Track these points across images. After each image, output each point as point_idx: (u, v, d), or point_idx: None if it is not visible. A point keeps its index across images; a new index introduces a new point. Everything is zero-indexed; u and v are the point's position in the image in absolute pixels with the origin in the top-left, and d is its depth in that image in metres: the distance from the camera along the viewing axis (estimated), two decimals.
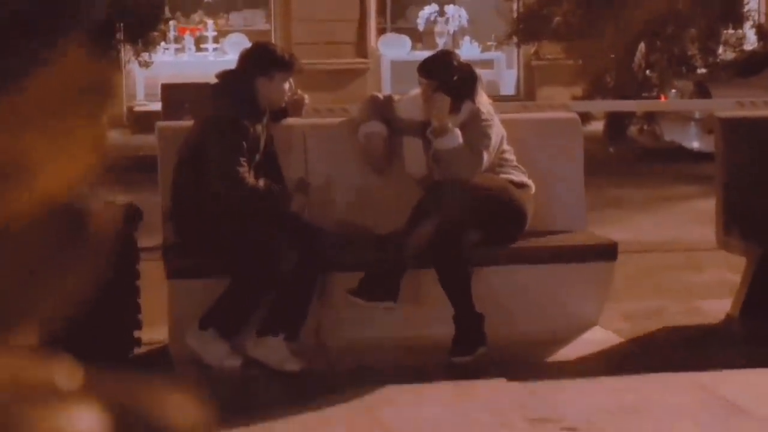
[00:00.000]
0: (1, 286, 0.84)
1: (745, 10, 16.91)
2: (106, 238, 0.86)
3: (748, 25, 17.19)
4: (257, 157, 6.20)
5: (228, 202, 6.05)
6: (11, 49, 0.86)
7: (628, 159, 14.70)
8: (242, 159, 6.03)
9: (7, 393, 0.83)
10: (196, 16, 19.81)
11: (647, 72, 16.08)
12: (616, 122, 15.89)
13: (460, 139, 6.29)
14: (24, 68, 0.85)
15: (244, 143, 6.05)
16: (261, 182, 6.10)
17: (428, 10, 19.96)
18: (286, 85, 6.31)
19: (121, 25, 14.55)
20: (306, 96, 6.71)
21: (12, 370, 0.84)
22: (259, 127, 6.21)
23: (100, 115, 0.86)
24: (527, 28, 16.71)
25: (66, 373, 0.85)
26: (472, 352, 6.13)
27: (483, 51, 19.98)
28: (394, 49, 20.10)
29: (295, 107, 6.60)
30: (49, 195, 0.84)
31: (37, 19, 0.87)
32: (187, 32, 19.64)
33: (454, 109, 6.38)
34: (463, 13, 19.95)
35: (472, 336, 6.15)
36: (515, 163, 6.54)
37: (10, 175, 0.83)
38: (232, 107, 6.10)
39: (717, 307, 7.08)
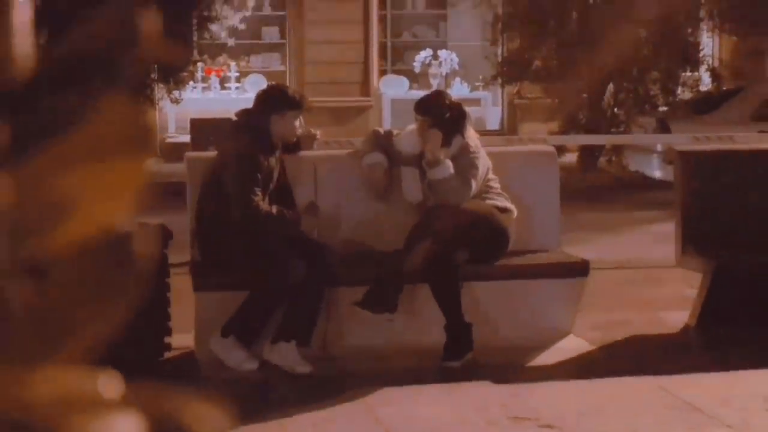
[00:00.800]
0: (56, 308, 0.83)
1: (701, 55, 16.93)
2: (145, 259, 0.86)
3: (703, 68, 17.20)
4: (271, 186, 6.19)
5: (245, 225, 6.03)
6: (71, 89, 0.85)
7: (598, 187, 14.68)
8: (257, 188, 6.01)
9: (57, 407, 0.82)
10: (221, 59, 19.82)
11: (615, 110, 16.08)
12: (588, 154, 15.89)
13: (452, 170, 6.28)
14: (80, 109, 0.84)
15: (258, 174, 6.04)
16: (274, 209, 6.08)
17: (423, 54, 19.97)
18: (297, 122, 6.30)
19: (155, 66, 14.57)
20: (318, 132, 6.72)
21: (62, 386, 0.83)
22: (272, 160, 6.20)
23: (139, 154, 0.85)
24: (510, 71, 16.73)
25: (110, 386, 0.85)
26: (462, 357, 6.10)
27: (472, 90, 19.98)
28: (394, 89, 20.11)
29: (308, 141, 6.60)
30: (97, 225, 0.83)
31: (100, 60, 0.86)
32: (213, 73, 19.65)
33: (446, 142, 6.36)
34: (455, 57, 19.96)
35: (462, 343, 6.12)
36: (499, 191, 6.52)
37: (63, 208, 0.82)
38: (249, 142, 6.09)
39: (676, 318, 7.05)
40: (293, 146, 6.51)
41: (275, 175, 6.23)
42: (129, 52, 0.88)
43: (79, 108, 0.86)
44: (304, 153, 6.63)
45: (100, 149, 0.85)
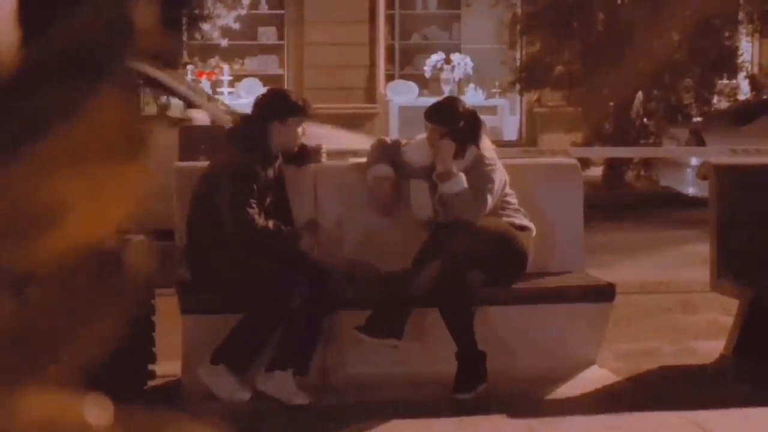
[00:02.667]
0: (38, 327, 0.84)
1: (739, 61, 16.94)
2: (137, 276, 0.86)
3: (741, 75, 17.21)
4: (268, 199, 6.21)
5: (238, 241, 6.05)
6: (56, 88, 0.86)
7: (625, 204, 14.68)
8: (253, 201, 6.03)
9: (43, 431, 0.83)
10: (213, 61, 19.87)
11: (644, 120, 16.09)
12: (615, 168, 15.89)
13: (465, 184, 6.29)
14: (66, 110, 0.85)
15: (255, 186, 6.06)
16: (271, 223, 6.09)
17: (435, 58, 20.00)
18: (300, 130, 6.33)
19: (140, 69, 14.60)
20: (323, 143, 6.76)
21: (47, 409, 0.83)
22: (270, 171, 6.22)
23: (131, 161, 0.86)
24: (530, 77, 16.75)
25: (97, 411, 0.85)
26: (474, 388, 6.10)
27: (487, 98, 20.01)
28: (402, 95, 20.15)
29: (315, 154, 6.63)
30: (84, 237, 0.84)
31: (87, 58, 0.87)
32: (204, 76, 19.70)
33: (459, 154, 6.38)
34: (468, 61, 20.00)
35: (474, 373, 6.12)
36: (517, 207, 6.53)
37: (47, 217, 0.83)
38: (245, 152, 6.11)
39: (710, 348, 7.05)
40: (299, 157, 6.53)
41: (273, 187, 6.25)
42: (119, 48, 0.89)
43: (66, 108, 0.87)
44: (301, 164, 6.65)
45: (88, 154, 0.86)
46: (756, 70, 18.74)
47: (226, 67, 19.81)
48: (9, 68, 0.89)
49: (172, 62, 14.77)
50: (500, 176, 6.45)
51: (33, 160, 0.85)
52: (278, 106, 6.27)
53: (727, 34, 16.39)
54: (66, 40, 0.88)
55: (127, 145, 0.87)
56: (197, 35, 15.39)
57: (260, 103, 6.37)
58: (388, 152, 6.62)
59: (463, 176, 6.30)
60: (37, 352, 0.86)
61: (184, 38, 15.61)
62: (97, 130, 0.87)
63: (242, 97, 18.78)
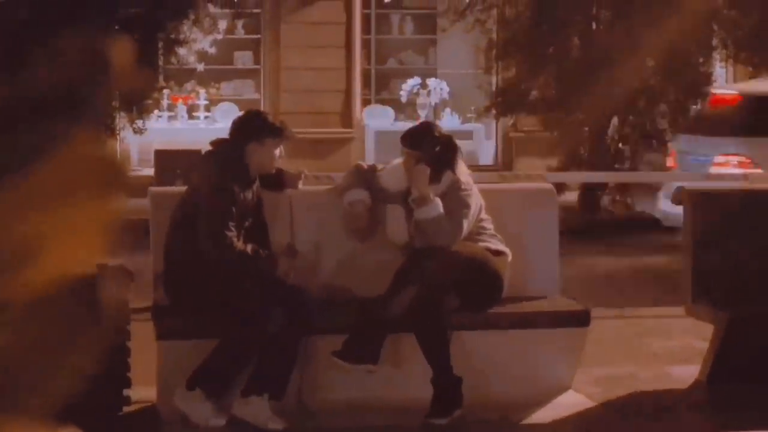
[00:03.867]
0: (11, 359, 0.84)
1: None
2: (111, 304, 0.87)
3: None
4: (246, 222, 6.20)
5: (217, 265, 6.04)
6: (23, 129, 0.86)
7: (601, 228, 14.72)
8: (231, 224, 6.03)
9: None
10: (188, 85, 19.83)
11: (620, 145, 16.15)
12: (590, 193, 15.94)
13: (440, 209, 6.30)
14: (36, 148, 0.85)
15: (233, 209, 6.05)
16: (249, 247, 6.09)
17: (411, 83, 20.03)
18: (277, 152, 6.33)
19: (116, 93, 14.58)
20: (304, 170, 6.77)
21: None
22: (249, 193, 6.22)
23: (108, 192, 0.86)
24: (505, 102, 16.79)
25: None
26: (449, 414, 6.10)
27: (463, 122, 20.04)
28: (378, 120, 20.17)
29: (293, 179, 6.63)
30: (60, 267, 0.84)
31: (63, 94, 0.88)
32: (180, 100, 19.68)
33: (435, 179, 6.39)
34: (445, 86, 20.04)
35: (450, 398, 6.12)
36: (493, 232, 6.55)
37: (24, 249, 0.83)
38: (223, 174, 6.11)
39: (686, 373, 7.07)
40: (276, 182, 6.54)
41: (251, 210, 6.25)
42: (95, 81, 0.90)
43: (42, 144, 0.88)
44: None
45: (66, 187, 0.86)
46: None
47: (202, 91, 19.80)
48: None
49: (147, 88, 14.76)
50: (476, 201, 6.46)
51: (10, 194, 0.86)
52: (256, 127, 6.28)
53: (701, 59, 16.48)
54: (41, 78, 0.89)
55: (102, 179, 0.88)
56: (173, 59, 15.37)
57: (238, 125, 6.38)
58: (364, 177, 6.63)
59: (438, 201, 6.32)
60: (11, 383, 0.86)
61: (160, 62, 15.58)
62: (73, 165, 0.87)
63: (218, 122, 18.78)
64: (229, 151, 6.23)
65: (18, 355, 0.86)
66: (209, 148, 6.39)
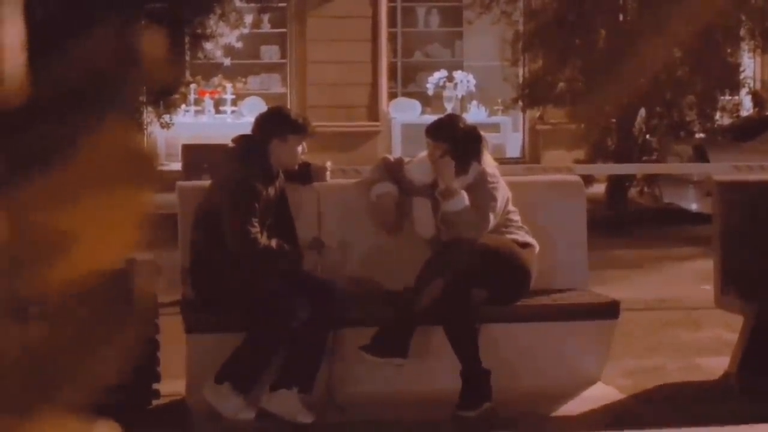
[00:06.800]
0: (46, 355, 0.84)
1: (741, 77, 16.94)
2: (144, 298, 0.87)
3: (744, 91, 17.21)
4: (270, 217, 6.21)
5: (242, 260, 6.06)
6: (52, 123, 0.86)
7: (629, 220, 14.68)
8: (254, 220, 6.04)
9: None
10: (215, 80, 19.89)
11: (647, 136, 16.09)
12: (618, 184, 15.88)
13: (467, 201, 6.29)
14: (75, 136, 0.85)
15: (256, 205, 6.07)
16: (273, 242, 6.10)
17: (437, 76, 20.02)
18: (300, 148, 6.34)
19: (144, 88, 14.63)
20: (328, 162, 6.77)
21: None
22: (271, 189, 6.23)
23: (139, 185, 0.86)
24: (532, 94, 16.75)
25: None
26: (478, 406, 6.09)
27: (490, 115, 20.02)
28: (405, 113, 20.16)
29: (320, 172, 6.64)
30: (94, 262, 0.84)
31: (87, 92, 0.87)
32: (207, 95, 19.72)
33: (462, 170, 6.38)
34: (471, 78, 20.02)
35: (478, 391, 6.12)
36: (520, 224, 6.54)
37: (57, 244, 0.83)
38: (246, 170, 6.12)
39: (715, 365, 7.05)
40: (304, 176, 6.55)
41: (274, 205, 6.26)
42: (125, 74, 0.90)
43: (75, 135, 0.87)
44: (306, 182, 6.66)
45: (97, 180, 0.86)
46: (758, 86, 18.75)
47: (229, 85, 19.85)
48: (17, 97, 0.89)
49: (174, 83, 14.80)
50: (503, 193, 6.45)
51: (40, 188, 0.85)
52: (278, 123, 6.29)
53: (729, 50, 16.39)
54: (72, 71, 0.89)
55: (131, 172, 0.88)
56: (200, 54, 15.40)
57: (260, 121, 6.39)
58: (391, 170, 6.63)
59: (465, 194, 6.31)
60: (46, 379, 0.86)
61: (187, 57, 15.62)
62: (102, 159, 0.87)
63: (245, 116, 18.81)
64: (251, 148, 6.24)
65: (51, 350, 0.86)
66: (233, 144, 6.40)
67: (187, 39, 15.04)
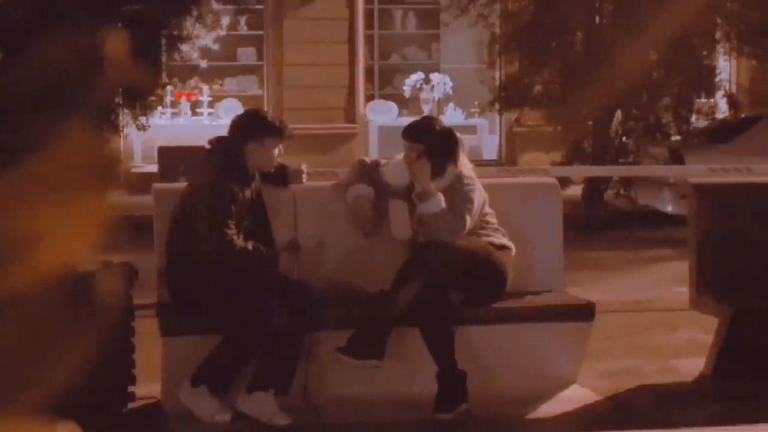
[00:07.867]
0: (10, 355, 0.83)
1: (717, 80, 17.02)
2: (109, 300, 0.86)
3: (719, 94, 17.29)
4: (246, 219, 6.21)
5: (218, 262, 6.04)
6: (22, 124, 0.86)
7: (605, 222, 14.72)
8: (231, 222, 6.03)
9: None
10: (192, 82, 19.86)
11: (623, 138, 16.14)
12: (594, 186, 15.93)
13: (443, 204, 6.29)
14: (34, 143, 0.85)
15: (232, 207, 6.06)
16: (250, 244, 6.09)
17: (414, 78, 20.03)
18: (276, 151, 6.33)
19: (120, 90, 14.58)
20: (304, 165, 6.76)
21: None
22: (248, 192, 6.22)
23: (103, 186, 0.86)
24: (509, 96, 16.78)
25: None
26: (454, 408, 6.09)
27: (467, 117, 20.05)
28: (382, 115, 20.17)
29: (296, 175, 6.64)
30: (57, 262, 0.84)
31: (49, 96, 0.87)
32: (184, 97, 19.68)
33: (438, 173, 6.38)
34: (448, 80, 20.03)
35: (455, 393, 6.12)
36: (496, 226, 6.54)
37: (19, 243, 0.83)
38: (222, 172, 6.12)
39: (691, 366, 7.07)
40: (279, 178, 6.54)
41: (251, 208, 6.25)
42: (93, 75, 0.89)
43: (39, 136, 0.87)
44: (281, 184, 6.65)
45: (61, 180, 0.85)
46: (734, 88, 18.83)
47: (205, 87, 19.82)
48: None
49: (151, 85, 14.76)
50: (479, 195, 6.46)
51: (8, 186, 0.85)
52: (255, 126, 6.28)
53: (704, 52, 16.46)
54: (38, 71, 0.88)
55: (100, 171, 0.87)
56: (176, 56, 15.36)
57: (237, 124, 6.38)
58: (367, 172, 6.63)
59: (441, 196, 6.31)
60: (10, 378, 0.86)
61: (164, 59, 15.58)
62: (72, 157, 0.87)
63: (221, 118, 18.78)
64: (228, 150, 6.23)
65: (17, 352, 0.85)
66: (209, 146, 6.39)
67: (163, 41, 15.00)
